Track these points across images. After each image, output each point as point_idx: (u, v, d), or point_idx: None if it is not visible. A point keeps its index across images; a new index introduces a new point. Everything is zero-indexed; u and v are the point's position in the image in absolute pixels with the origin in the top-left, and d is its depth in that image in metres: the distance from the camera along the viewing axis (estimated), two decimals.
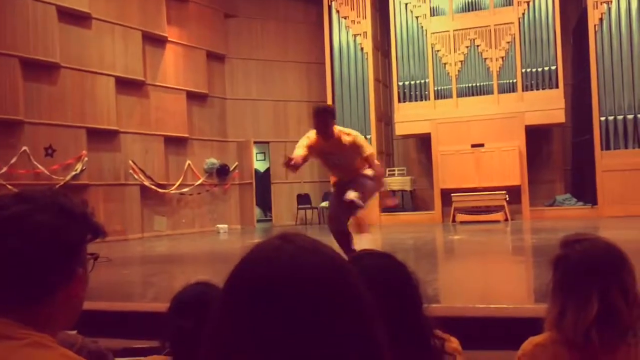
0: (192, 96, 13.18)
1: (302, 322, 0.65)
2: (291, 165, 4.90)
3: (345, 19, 13.65)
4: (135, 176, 11.65)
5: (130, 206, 11.55)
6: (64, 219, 0.99)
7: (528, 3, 12.31)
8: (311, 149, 5.11)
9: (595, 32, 11.96)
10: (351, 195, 5.04)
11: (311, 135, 5.18)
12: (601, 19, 11.96)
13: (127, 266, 7.18)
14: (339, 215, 5.35)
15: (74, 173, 10.38)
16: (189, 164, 13.03)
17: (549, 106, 11.94)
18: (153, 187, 11.98)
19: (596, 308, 1.47)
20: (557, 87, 12.01)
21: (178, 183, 12.66)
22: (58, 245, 0.97)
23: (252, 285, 0.68)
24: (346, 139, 5.13)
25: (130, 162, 11.58)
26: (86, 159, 10.60)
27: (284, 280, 0.67)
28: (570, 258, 1.58)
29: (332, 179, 5.69)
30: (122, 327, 3.71)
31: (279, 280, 0.67)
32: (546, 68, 12.07)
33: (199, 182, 13.17)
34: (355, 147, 5.15)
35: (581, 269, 1.54)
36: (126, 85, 11.58)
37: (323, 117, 5.09)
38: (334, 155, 5.23)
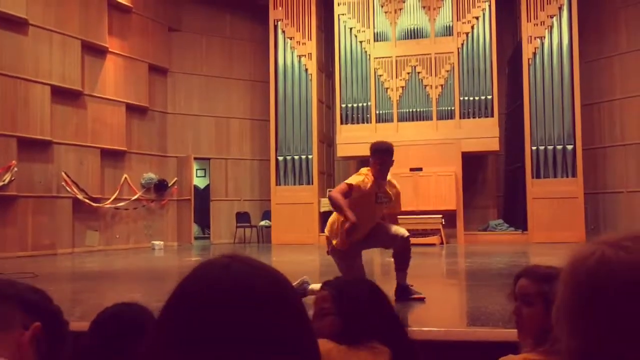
0: (131, 109, 12.90)
1: (251, 338, 0.66)
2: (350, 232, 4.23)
3: (290, 39, 13.76)
4: (68, 189, 11.24)
5: (60, 219, 11.12)
6: None
7: (467, 34, 12.78)
8: (359, 190, 4.39)
9: (529, 65, 12.53)
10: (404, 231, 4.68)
11: (367, 173, 4.49)
12: (535, 53, 12.55)
13: (54, 282, 6.88)
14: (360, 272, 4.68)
15: (1, 184, 9.91)
16: (125, 178, 12.69)
17: (484, 134, 12.36)
18: (86, 200, 11.59)
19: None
20: (492, 116, 12.47)
21: (113, 197, 12.30)
22: None
23: (200, 302, 0.68)
24: (393, 186, 4.67)
25: (63, 174, 11.17)
26: (15, 169, 10.16)
27: (232, 296, 0.68)
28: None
29: (343, 240, 4.46)
30: None
31: (228, 295, 0.68)
32: (482, 97, 12.51)
33: (135, 197, 12.84)
34: (396, 198, 4.70)
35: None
36: (62, 95, 11.22)
37: (389, 157, 4.52)
38: (379, 201, 4.55)
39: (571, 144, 12.14)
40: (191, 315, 0.67)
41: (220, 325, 0.66)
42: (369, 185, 4.42)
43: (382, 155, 4.50)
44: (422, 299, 4.65)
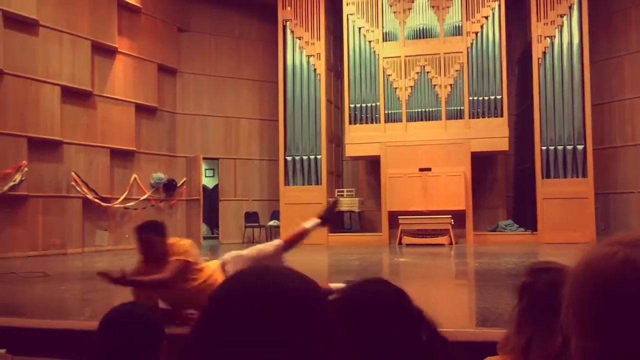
0: (141, 109, 12.95)
1: (279, 340, 0.70)
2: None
3: (299, 39, 13.76)
4: (78, 188, 11.31)
5: (70, 219, 11.18)
6: None
7: (476, 34, 12.72)
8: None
9: (539, 65, 12.46)
10: None
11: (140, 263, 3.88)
12: (544, 53, 12.48)
13: (64, 282, 6.92)
14: None
15: (12, 184, 9.98)
16: (134, 178, 12.75)
17: (493, 134, 12.31)
18: (96, 200, 11.65)
19: (560, 340, 1.42)
20: (501, 116, 12.41)
21: (123, 197, 12.35)
22: None
23: (232, 306, 0.72)
24: (172, 259, 3.77)
25: (73, 173, 11.24)
26: (26, 169, 10.22)
27: (264, 301, 0.72)
28: (536, 287, 1.55)
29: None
30: (57, 346, 3.56)
31: (259, 300, 0.72)
32: (492, 97, 12.46)
33: (144, 196, 12.89)
34: (176, 267, 3.74)
35: (546, 299, 1.48)
36: (72, 95, 11.28)
37: (144, 234, 3.78)
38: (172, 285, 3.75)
39: (581, 144, 12.06)
40: (225, 318, 0.71)
41: (251, 328, 0.70)
42: (141, 272, 3.80)
43: (135, 234, 3.86)
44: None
